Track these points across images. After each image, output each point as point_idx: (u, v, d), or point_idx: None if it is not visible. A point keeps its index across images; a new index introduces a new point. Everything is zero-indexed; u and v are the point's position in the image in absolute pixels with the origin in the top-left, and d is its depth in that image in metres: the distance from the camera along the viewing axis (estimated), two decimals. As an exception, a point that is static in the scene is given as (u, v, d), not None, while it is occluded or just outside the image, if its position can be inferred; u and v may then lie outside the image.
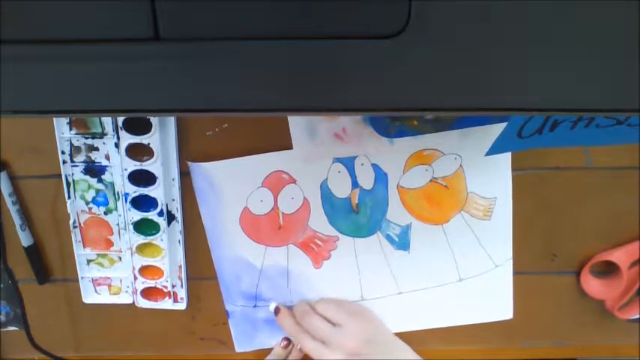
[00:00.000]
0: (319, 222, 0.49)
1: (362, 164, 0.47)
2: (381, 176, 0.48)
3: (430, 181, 0.48)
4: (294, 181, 0.48)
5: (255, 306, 0.52)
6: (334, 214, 0.49)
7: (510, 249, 0.50)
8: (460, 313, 0.53)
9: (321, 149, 0.46)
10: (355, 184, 0.48)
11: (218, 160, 0.47)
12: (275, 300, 0.52)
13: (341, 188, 0.48)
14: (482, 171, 0.48)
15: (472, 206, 0.49)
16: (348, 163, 0.47)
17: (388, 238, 0.50)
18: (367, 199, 0.48)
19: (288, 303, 0.52)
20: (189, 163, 0.47)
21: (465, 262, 0.51)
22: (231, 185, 0.48)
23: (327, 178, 0.48)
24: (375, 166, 0.47)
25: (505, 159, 0.47)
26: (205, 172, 0.47)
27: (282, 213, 0.49)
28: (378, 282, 0.51)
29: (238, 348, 0.54)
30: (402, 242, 0.50)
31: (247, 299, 0.52)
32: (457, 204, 0.49)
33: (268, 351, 0.53)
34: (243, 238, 0.49)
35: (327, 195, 0.48)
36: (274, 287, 0.51)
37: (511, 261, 0.51)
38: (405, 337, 0.53)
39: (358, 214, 0.49)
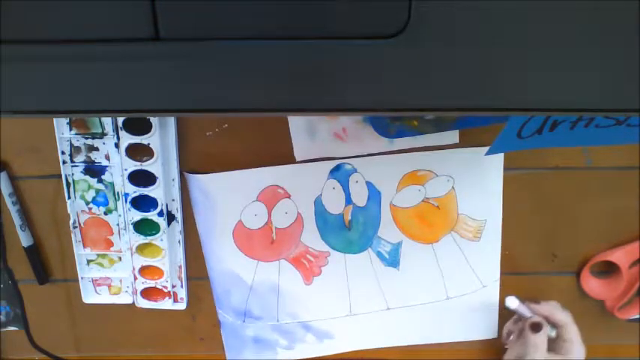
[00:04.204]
0: (311, 237, 0.49)
1: (356, 181, 0.47)
2: (374, 194, 0.48)
3: (422, 201, 0.48)
4: (289, 196, 0.48)
5: (243, 321, 0.52)
6: (326, 230, 0.49)
7: (498, 270, 0.51)
8: (446, 331, 0.53)
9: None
10: (349, 200, 0.48)
11: (215, 168, 0.47)
12: (263, 317, 0.52)
13: (334, 204, 0.48)
14: (474, 193, 0.48)
15: (462, 227, 0.49)
16: (343, 179, 0.47)
17: (379, 255, 0.50)
18: (360, 216, 0.49)
19: (275, 321, 0.52)
20: (186, 174, 0.47)
21: (452, 282, 0.51)
22: (226, 198, 0.47)
23: (321, 194, 0.48)
24: (369, 184, 0.48)
25: (497, 183, 0.48)
26: (201, 183, 0.47)
27: (276, 227, 0.49)
28: (366, 298, 0.52)
29: (229, 356, 0.55)
30: (392, 259, 0.50)
31: (237, 314, 0.52)
32: (448, 224, 0.49)
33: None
34: (235, 252, 0.49)
35: (320, 210, 0.48)
36: (264, 304, 0.51)
37: (498, 282, 0.51)
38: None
39: (350, 231, 0.49)
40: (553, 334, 0.48)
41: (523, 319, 0.48)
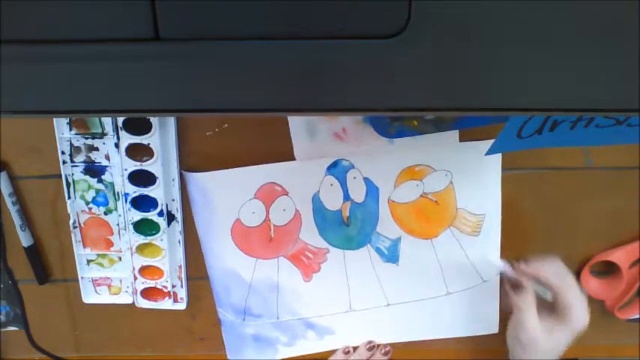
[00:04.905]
0: (310, 234, 0.49)
1: (354, 177, 0.47)
2: (372, 190, 0.48)
3: (420, 196, 0.48)
4: (287, 193, 0.48)
5: (243, 319, 0.52)
6: (325, 226, 0.49)
7: (498, 265, 0.51)
8: (446, 326, 0.53)
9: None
10: (347, 196, 0.48)
11: (215, 168, 0.46)
12: (263, 315, 0.52)
13: (332, 201, 0.48)
14: (472, 187, 0.48)
15: (461, 222, 0.49)
16: (341, 175, 0.47)
17: (378, 250, 0.50)
18: (358, 212, 0.49)
19: (275, 318, 0.52)
20: (183, 172, 0.47)
21: (452, 277, 0.51)
22: (224, 196, 0.47)
23: (319, 191, 0.48)
24: (366, 180, 0.47)
25: (495, 177, 0.48)
26: (199, 182, 0.47)
27: (274, 225, 0.49)
28: (366, 294, 0.52)
29: (230, 355, 0.54)
30: (392, 255, 0.50)
31: (236, 312, 0.52)
32: (447, 219, 0.49)
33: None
34: (234, 250, 0.49)
35: (318, 207, 0.48)
36: (263, 302, 0.51)
37: (498, 277, 0.51)
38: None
39: (349, 227, 0.49)
40: (548, 296, 0.43)
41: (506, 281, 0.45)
